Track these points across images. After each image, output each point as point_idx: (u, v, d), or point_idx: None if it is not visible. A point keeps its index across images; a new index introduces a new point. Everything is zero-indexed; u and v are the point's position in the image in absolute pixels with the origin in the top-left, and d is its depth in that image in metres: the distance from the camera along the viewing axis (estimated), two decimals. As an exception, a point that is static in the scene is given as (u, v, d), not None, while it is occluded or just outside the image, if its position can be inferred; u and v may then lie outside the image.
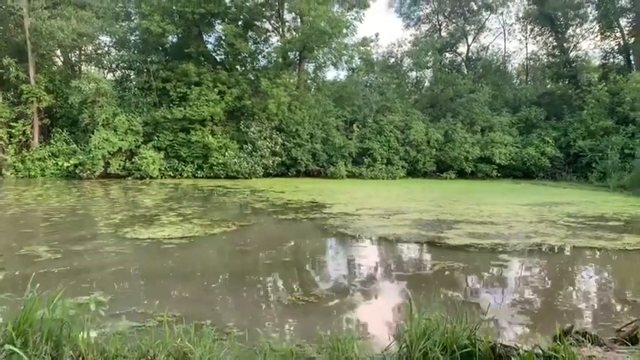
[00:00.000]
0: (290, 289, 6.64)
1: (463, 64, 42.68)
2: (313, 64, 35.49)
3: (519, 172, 31.39)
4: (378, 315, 5.80)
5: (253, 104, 29.60)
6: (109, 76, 36.26)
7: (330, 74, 36.40)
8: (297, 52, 32.61)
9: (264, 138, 28.65)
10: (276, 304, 6.06)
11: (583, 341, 3.59)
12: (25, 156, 29.09)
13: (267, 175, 28.69)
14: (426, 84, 41.36)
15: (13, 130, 29.36)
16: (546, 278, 7.67)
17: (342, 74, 37.32)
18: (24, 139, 29.94)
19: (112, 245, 9.25)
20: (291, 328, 5.35)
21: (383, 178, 29.30)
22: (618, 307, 6.10)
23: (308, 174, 29.71)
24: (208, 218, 12.87)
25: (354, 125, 31.09)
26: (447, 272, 7.59)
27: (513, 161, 31.01)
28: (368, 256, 9.01)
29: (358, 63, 38.08)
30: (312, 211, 14.36)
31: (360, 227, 11.89)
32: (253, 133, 28.60)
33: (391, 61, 41.38)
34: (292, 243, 10.17)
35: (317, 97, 31.80)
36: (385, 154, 30.29)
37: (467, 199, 18.69)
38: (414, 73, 41.80)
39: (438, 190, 23.41)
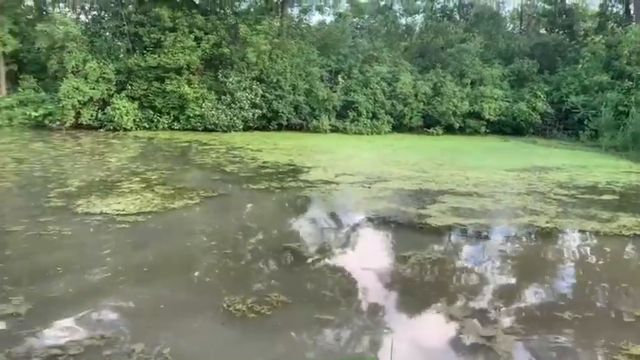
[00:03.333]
0: (239, 294, 5.65)
1: (455, 10, 40.70)
2: (297, 7, 33.51)
3: (509, 127, 30.36)
4: (335, 339, 4.94)
5: (232, 52, 27.88)
6: (82, 18, 34.14)
7: (315, 19, 34.52)
8: (280, -5, 30.68)
9: (244, 89, 27.12)
10: (221, 315, 5.14)
11: None
12: (-9, 104, 27.46)
13: (247, 128, 27.39)
14: (417, 30, 39.55)
15: (-23, 77, 27.61)
16: (531, 277, 6.86)
17: (328, 19, 35.32)
18: (-11, 87, 28.24)
19: (54, 224, 8.24)
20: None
21: (368, 134, 28.14)
22: (617, 324, 5.28)
23: (290, 127, 28.46)
24: (173, 185, 11.86)
25: (339, 76, 29.53)
26: (420, 267, 6.74)
27: (503, 117, 29.91)
28: (338, 245, 8.08)
29: (346, 6, 36.16)
30: (288, 178, 13.37)
31: (337, 202, 11.00)
32: (232, 84, 27.04)
33: (382, 4, 39.24)
34: (256, 226, 9.15)
35: (300, 45, 29.99)
36: (371, 107, 28.96)
37: (453, 161, 17.77)
38: (404, 20, 39.91)
39: (423, 149, 22.43)
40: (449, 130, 29.77)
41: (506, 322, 5.24)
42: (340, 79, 29.40)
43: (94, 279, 6.08)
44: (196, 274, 6.51)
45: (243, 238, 8.10)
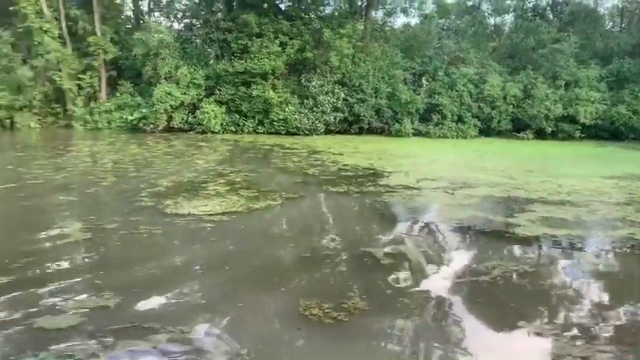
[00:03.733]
0: (315, 299, 5.59)
1: (548, 8, 38.64)
2: (381, 10, 33.29)
3: (606, 132, 28.38)
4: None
5: (315, 57, 28.21)
6: (175, 26, 36.04)
7: (400, 22, 33.97)
8: (364, -1, 30.64)
9: (326, 93, 27.36)
10: (297, 318, 5.10)
11: None
12: (93, 108, 29.60)
13: (328, 131, 27.58)
14: (506, 30, 37.97)
15: (82, 82, 29.82)
16: (628, 295, 6.26)
17: (414, 21, 34.73)
18: (92, 91, 30.43)
19: (145, 224, 8.64)
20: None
21: (452, 138, 27.38)
22: None
23: (371, 131, 28.31)
24: (256, 187, 12.11)
25: (423, 79, 28.97)
26: (504, 280, 6.35)
27: (600, 120, 28.00)
28: (418, 253, 7.80)
29: (432, 7, 35.38)
30: (368, 182, 13.23)
31: (419, 207, 10.70)
32: (314, 88, 27.36)
33: (469, 4, 38.06)
34: (335, 230, 9.08)
35: (383, 47, 29.78)
36: (456, 110, 28.16)
37: (544, 167, 16.83)
38: (492, 20, 38.46)
39: (512, 154, 21.46)
40: (540, 134, 28.31)
41: (601, 341, 4.81)
42: (424, 81, 28.85)
43: (179, 278, 6.29)
44: (275, 274, 6.54)
45: (321, 241, 8.07)
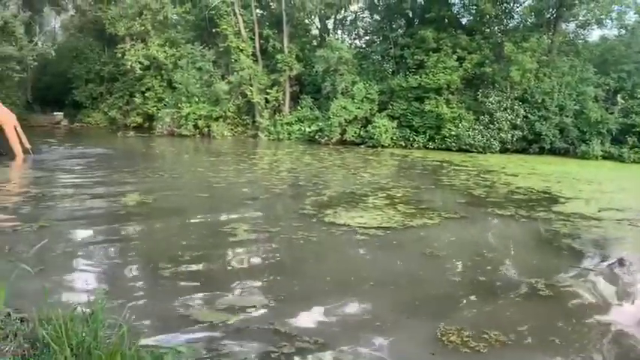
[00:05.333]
0: (456, 324, 5.30)
1: None
2: (573, 22, 30.56)
3: None
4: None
5: (494, 71, 26.96)
6: (357, 42, 37.51)
7: (595, 34, 30.76)
8: (553, 10, 28.41)
9: (504, 109, 25.95)
10: (433, 343, 4.90)
11: None
12: (277, 120, 32.07)
13: (504, 150, 26.10)
14: None
15: (269, 97, 32.57)
16: None
17: (612, 33, 31.18)
18: (276, 105, 33.03)
19: (303, 230, 9.08)
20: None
21: (652, 163, 24.00)
22: None
23: (553, 152, 26.06)
24: (415, 205, 11.97)
25: (619, 96, 25.85)
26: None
27: None
28: (587, 291, 6.93)
29: (634, 18, 31.47)
30: (539, 207, 12.21)
31: (593, 241, 9.55)
32: (492, 104, 26.14)
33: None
34: (492, 255, 8.50)
35: (572, 62, 27.29)
36: (659, 132, 24.64)
37: None
38: None
39: None
40: None
41: None
42: (620, 99, 25.76)
43: (321, 288, 6.49)
44: (419, 294, 6.38)
45: (475, 266, 7.65)
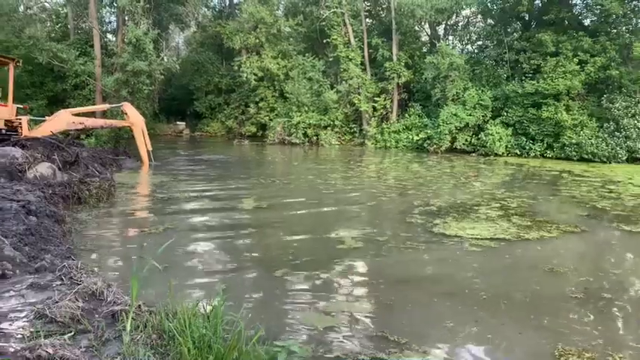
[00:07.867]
0: (580, 345, 4.95)
1: None
2: None
3: None
4: None
5: (621, 74, 24.83)
6: (469, 48, 36.52)
7: None
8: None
9: (632, 115, 23.78)
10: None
11: None
12: (384, 128, 32.07)
13: (632, 160, 23.89)
14: None
15: (376, 105, 32.68)
16: None
17: None
18: (384, 113, 33.04)
19: (412, 240, 9.00)
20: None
21: None
22: None
23: (694, 162, 23.47)
24: (531, 216, 11.34)
25: None
26: None
27: None
28: None
29: None
30: (676, 222, 11.04)
31: None
32: (618, 110, 24.08)
33: None
34: (617, 273, 7.81)
35: None
36: None
37: None
38: None
39: None
40: None
41: None
42: None
43: (433, 299, 6.38)
44: (535, 311, 6.04)
45: (598, 283, 7.09)
